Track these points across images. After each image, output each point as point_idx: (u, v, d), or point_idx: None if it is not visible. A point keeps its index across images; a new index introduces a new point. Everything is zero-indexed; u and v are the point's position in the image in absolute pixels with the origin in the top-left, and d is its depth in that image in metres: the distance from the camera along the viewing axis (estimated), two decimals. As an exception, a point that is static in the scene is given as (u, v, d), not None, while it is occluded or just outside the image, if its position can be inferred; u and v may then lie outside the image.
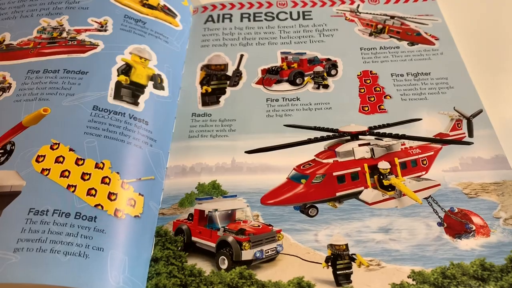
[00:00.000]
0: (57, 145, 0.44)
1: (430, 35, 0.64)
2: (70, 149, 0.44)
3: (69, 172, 0.43)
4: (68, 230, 0.39)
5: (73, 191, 0.42)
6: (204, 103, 0.58)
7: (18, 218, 0.40)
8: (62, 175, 0.42)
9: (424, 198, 0.47)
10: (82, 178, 0.43)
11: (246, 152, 0.52)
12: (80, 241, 0.39)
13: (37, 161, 0.43)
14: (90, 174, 0.43)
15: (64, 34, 0.53)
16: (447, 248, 0.43)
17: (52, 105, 0.47)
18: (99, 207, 0.42)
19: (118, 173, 0.44)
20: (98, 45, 0.53)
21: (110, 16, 0.57)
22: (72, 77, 0.49)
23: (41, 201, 0.41)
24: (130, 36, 0.56)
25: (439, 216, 0.46)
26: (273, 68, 0.61)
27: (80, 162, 0.44)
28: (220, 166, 0.51)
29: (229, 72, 0.61)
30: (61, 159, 0.43)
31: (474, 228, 0.45)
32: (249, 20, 0.68)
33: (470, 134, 0.53)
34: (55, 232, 0.39)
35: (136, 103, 0.50)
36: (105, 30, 0.55)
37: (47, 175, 0.42)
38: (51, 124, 0.46)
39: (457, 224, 0.45)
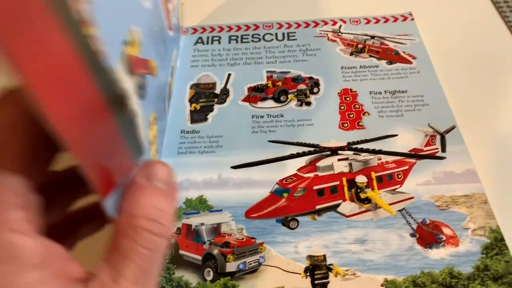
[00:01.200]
0: None
1: (408, 54, 0.67)
2: None
3: None
4: None
5: None
6: (193, 120, 0.61)
7: None
8: None
9: (398, 211, 0.50)
10: None
11: (232, 167, 0.55)
12: None
13: None
14: None
15: None
16: (419, 258, 0.46)
17: None
18: None
19: None
20: None
21: None
22: None
23: None
24: None
25: (411, 228, 0.49)
26: (259, 86, 0.65)
27: None
28: (207, 181, 0.54)
29: (217, 91, 0.65)
30: None
31: (444, 238, 0.48)
32: (237, 42, 0.71)
33: (443, 149, 0.56)
34: None
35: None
36: None
37: None
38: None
39: (428, 235, 0.48)
